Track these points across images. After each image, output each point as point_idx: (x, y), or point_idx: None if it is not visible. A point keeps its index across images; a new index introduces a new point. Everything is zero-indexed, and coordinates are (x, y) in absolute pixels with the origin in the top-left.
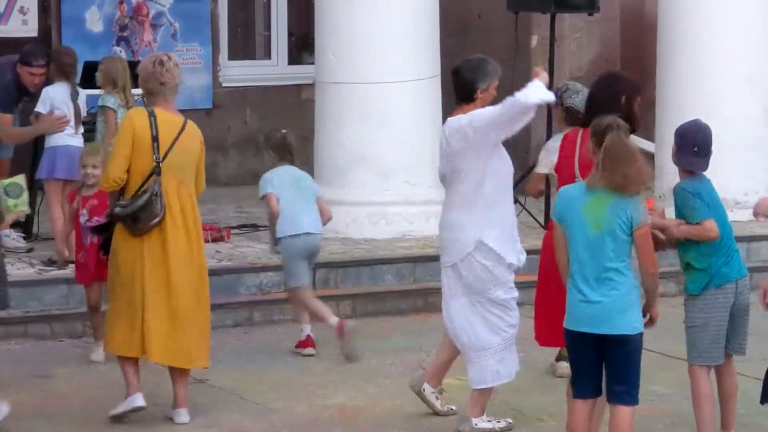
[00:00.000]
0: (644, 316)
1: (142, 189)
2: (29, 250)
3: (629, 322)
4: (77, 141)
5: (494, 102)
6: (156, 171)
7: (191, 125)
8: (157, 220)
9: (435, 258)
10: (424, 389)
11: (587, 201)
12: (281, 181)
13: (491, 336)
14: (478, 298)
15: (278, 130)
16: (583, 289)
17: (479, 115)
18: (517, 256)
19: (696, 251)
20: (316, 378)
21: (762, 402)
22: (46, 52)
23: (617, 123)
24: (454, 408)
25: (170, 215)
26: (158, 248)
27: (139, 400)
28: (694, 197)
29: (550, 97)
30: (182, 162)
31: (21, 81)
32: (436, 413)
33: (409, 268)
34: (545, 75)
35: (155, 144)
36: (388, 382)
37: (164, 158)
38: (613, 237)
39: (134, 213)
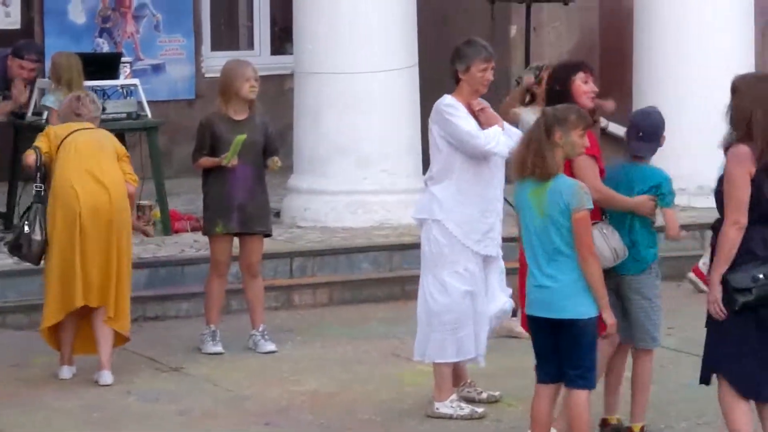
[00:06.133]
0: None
1: None
2: (1, 239)
3: (578, 307)
4: None
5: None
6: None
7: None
8: None
9: (412, 246)
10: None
11: (533, 187)
12: None
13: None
14: (427, 271)
15: None
16: (536, 274)
17: (455, 127)
18: (482, 244)
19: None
20: (291, 365)
21: (701, 382)
22: (39, 48)
23: (545, 111)
24: (496, 394)
25: None
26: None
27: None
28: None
29: (504, 151)
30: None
31: (7, 73)
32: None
33: (386, 256)
34: (491, 112)
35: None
36: (362, 369)
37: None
38: (554, 222)
39: None
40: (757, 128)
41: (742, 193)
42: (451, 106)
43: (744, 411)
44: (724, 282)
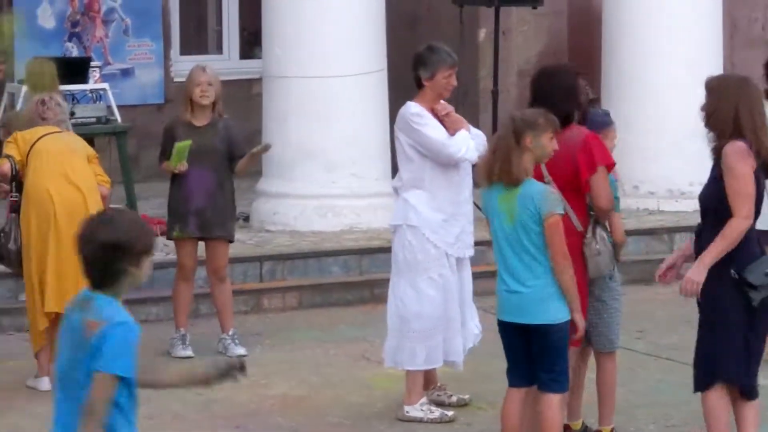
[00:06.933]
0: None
1: None
2: None
3: (549, 312)
4: None
5: (455, 91)
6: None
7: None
8: None
9: (381, 250)
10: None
11: (502, 193)
12: None
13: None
14: (400, 277)
15: None
16: (506, 279)
17: (426, 137)
18: (455, 247)
19: None
20: (260, 368)
21: (696, 390)
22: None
23: (513, 116)
24: (465, 397)
25: None
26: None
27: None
28: None
29: (474, 155)
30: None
31: None
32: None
33: (355, 259)
34: (455, 116)
35: None
36: (332, 372)
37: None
38: (525, 228)
39: None
40: (747, 125)
41: (750, 188)
42: (417, 115)
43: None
44: (739, 280)
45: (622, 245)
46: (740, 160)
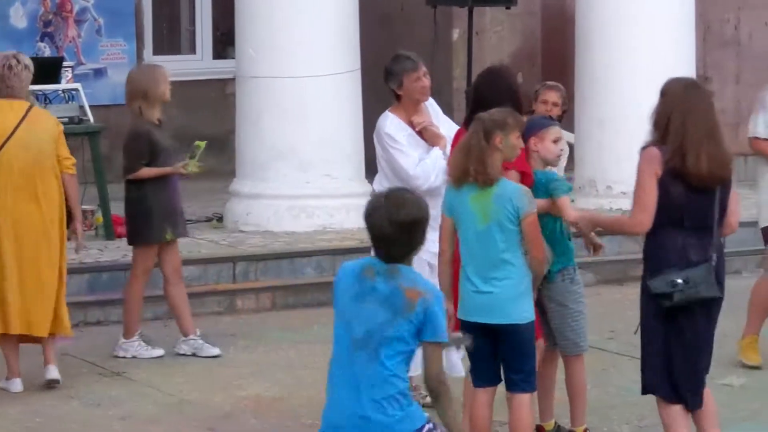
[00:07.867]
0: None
1: None
2: None
3: (520, 312)
4: None
5: (437, 88)
6: None
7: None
8: None
9: (355, 250)
10: None
11: (475, 193)
12: None
13: None
14: None
15: None
16: (475, 280)
17: (396, 163)
18: None
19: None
20: (234, 370)
21: (643, 393)
22: None
23: (480, 117)
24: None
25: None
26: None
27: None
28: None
29: (439, 181)
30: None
31: None
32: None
33: (329, 260)
34: (432, 131)
35: None
36: (306, 373)
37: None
38: (500, 227)
39: None
40: (672, 133)
41: (646, 195)
42: (391, 137)
43: (685, 422)
44: (646, 289)
45: (575, 225)
46: (643, 169)
